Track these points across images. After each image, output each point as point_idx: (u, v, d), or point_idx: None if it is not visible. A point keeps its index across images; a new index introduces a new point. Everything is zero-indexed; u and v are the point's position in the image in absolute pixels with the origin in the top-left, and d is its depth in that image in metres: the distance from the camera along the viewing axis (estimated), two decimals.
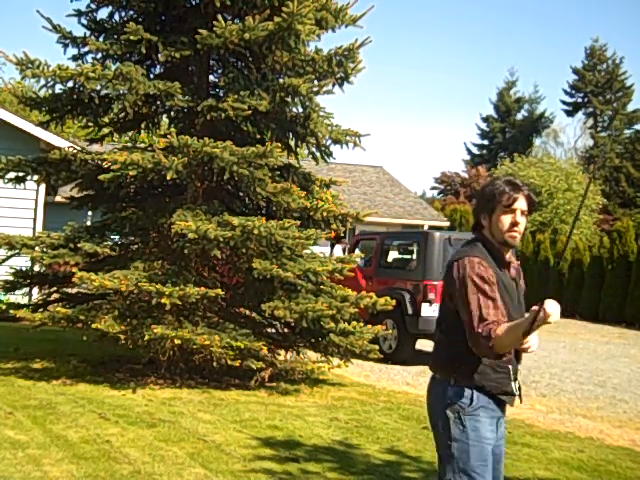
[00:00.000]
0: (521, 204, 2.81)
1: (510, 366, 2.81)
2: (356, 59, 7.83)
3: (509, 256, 2.88)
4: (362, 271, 10.95)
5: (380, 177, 25.99)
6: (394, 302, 8.33)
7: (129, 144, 11.09)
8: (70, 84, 7.77)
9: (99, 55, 8.13)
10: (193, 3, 8.26)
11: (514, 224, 2.79)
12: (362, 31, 8.16)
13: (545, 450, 5.81)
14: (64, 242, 7.79)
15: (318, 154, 8.54)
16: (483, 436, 2.78)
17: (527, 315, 2.53)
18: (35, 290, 10.01)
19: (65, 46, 8.18)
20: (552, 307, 2.43)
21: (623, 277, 18.89)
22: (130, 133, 9.45)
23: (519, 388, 2.86)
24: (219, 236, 7.01)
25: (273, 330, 8.27)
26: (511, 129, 48.46)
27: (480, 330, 2.61)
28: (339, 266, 7.65)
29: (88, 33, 8.38)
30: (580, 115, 46.44)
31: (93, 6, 8.41)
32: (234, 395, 7.24)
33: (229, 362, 7.08)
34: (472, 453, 2.77)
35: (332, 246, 16.58)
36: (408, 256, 11.36)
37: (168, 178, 7.26)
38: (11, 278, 8.46)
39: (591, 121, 45.68)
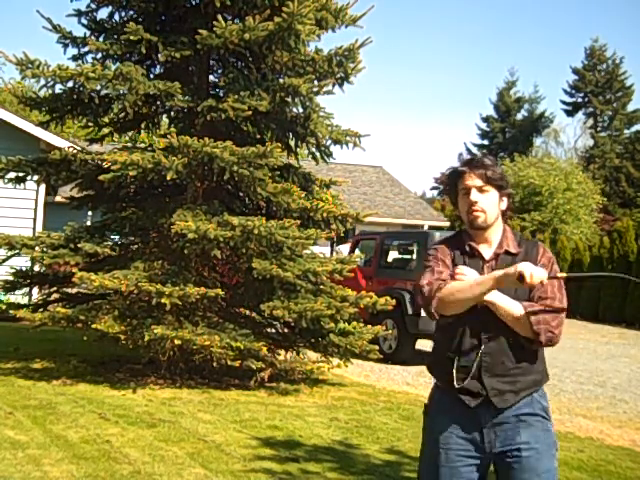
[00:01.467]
0: (472, 181, 2.58)
1: (458, 357, 2.54)
2: (356, 59, 7.83)
3: (506, 243, 2.62)
4: (362, 271, 10.95)
5: (380, 177, 25.99)
6: (394, 302, 8.33)
7: (129, 144, 11.10)
8: (70, 84, 7.77)
9: (99, 55, 8.13)
10: (193, 3, 8.26)
11: (470, 204, 2.58)
12: (362, 31, 8.17)
13: None
14: (64, 242, 7.79)
15: (318, 154, 8.54)
16: (436, 439, 2.57)
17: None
18: (35, 290, 10.01)
19: (65, 46, 8.18)
20: (525, 266, 2.38)
21: None
22: (130, 133, 9.46)
23: (479, 386, 2.52)
24: (219, 236, 7.01)
25: (273, 330, 8.27)
26: (511, 129, 48.44)
27: (422, 290, 2.57)
28: (339, 266, 7.65)
29: (88, 33, 8.38)
30: (580, 115, 46.46)
31: (93, 6, 8.41)
32: (234, 395, 7.24)
33: (229, 362, 7.08)
34: (422, 457, 2.66)
35: (332, 246, 16.58)
36: (408, 256, 11.36)
37: (168, 178, 7.26)
38: (11, 278, 8.46)
39: (591, 121, 45.67)
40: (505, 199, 2.65)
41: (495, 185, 2.59)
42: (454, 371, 2.54)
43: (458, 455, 2.55)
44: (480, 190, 2.58)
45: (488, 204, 2.58)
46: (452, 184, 2.66)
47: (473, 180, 2.58)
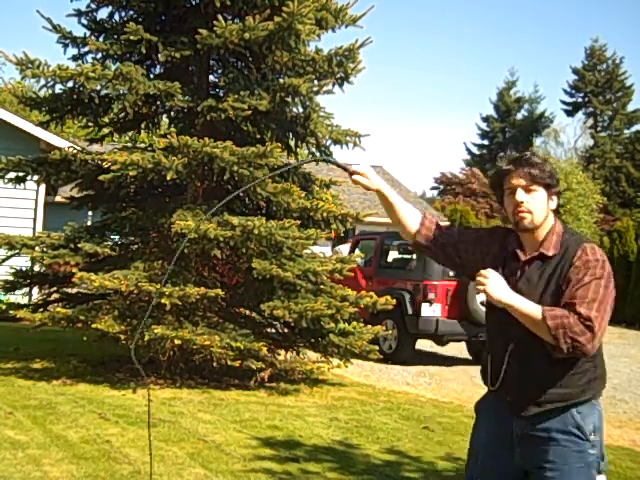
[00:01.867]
0: (517, 180, 2.45)
1: (491, 361, 2.52)
2: (356, 59, 7.83)
3: (545, 246, 2.47)
4: (362, 271, 10.95)
5: (380, 177, 26.00)
6: (394, 302, 8.33)
7: (129, 144, 11.10)
8: (70, 84, 7.76)
9: (99, 55, 8.13)
10: (193, 3, 8.26)
11: (516, 204, 2.45)
12: (362, 31, 8.16)
13: None
14: (64, 242, 7.79)
15: (318, 154, 8.54)
16: (473, 436, 2.62)
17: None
18: (35, 290, 10.01)
19: (65, 46, 8.18)
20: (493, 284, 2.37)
21: (623, 277, 18.86)
22: (130, 133, 9.46)
23: (496, 381, 2.47)
24: (219, 236, 7.01)
25: (273, 330, 8.27)
26: (511, 129, 48.46)
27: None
28: (339, 266, 7.65)
29: (88, 33, 8.37)
30: (580, 115, 46.47)
31: (93, 6, 8.41)
32: (234, 395, 7.24)
33: (229, 362, 7.08)
34: (468, 450, 2.66)
35: (333, 246, 16.57)
36: (408, 256, 11.36)
37: (168, 178, 7.26)
38: (11, 278, 8.46)
39: (591, 121, 45.68)
40: (555, 198, 2.51)
41: (543, 184, 2.45)
42: (488, 375, 2.53)
43: (492, 456, 2.53)
44: (526, 190, 2.44)
45: (535, 204, 2.44)
46: (498, 183, 2.53)
47: (519, 179, 2.45)
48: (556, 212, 2.53)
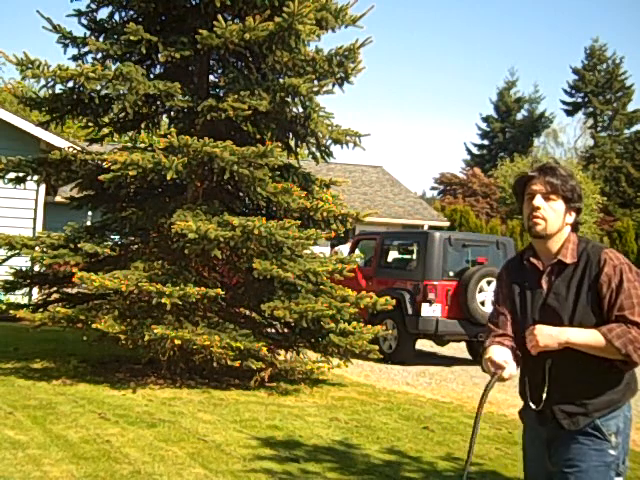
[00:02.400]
0: (539, 186, 2.48)
1: (529, 381, 2.58)
2: (356, 59, 7.83)
3: (563, 253, 2.51)
4: (362, 271, 10.95)
5: (380, 177, 25.99)
6: (394, 302, 8.33)
7: (129, 144, 11.07)
8: (70, 84, 7.76)
9: (99, 55, 8.13)
10: (193, 3, 8.25)
11: (533, 209, 2.48)
12: (362, 31, 8.16)
13: None
14: (64, 242, 7.79)
15: (318, 154, 8.54)
16: (523, 446, 2.72)
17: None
18: (35, 290, 10.00)
19: (65, 46, 8.18)
20: (509, 370, 2.44)
21: None
22: (130, 133, 9.44)
23: (539, 401, 2.51)
24: (219, 236, 7.01)
25: (273, 330, 8.27)
26: (511, 129, 48.50)
27: (488, 325, 2.69)
28: (339, 266, 7.65)
29: (88, 33, 8.38)
30: (580, 115, 46.53)
31: (93, 6, 8.42)
32: (234, 395, 7.24)
33: (229, 362, 7.08)
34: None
35: (332, 247, 16.56)
36: (408, 256, 11.36)
37: (168, 178, 7.26)
38: (11, 278, 8.46)
39: (591, 121, 45.70)
40: (574, 213, 2.54)
41: (563, 196, 2.49)
42: (527, 394, 2.57)
43: (536, 465, 2.62)
44: (546, 197, 2.48)
45: (551, 213, 2.48)
46: (520, 189, 2.56)
47: (540, 186, 2.49)
48: (574, 228, 2.55)
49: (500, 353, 2.50)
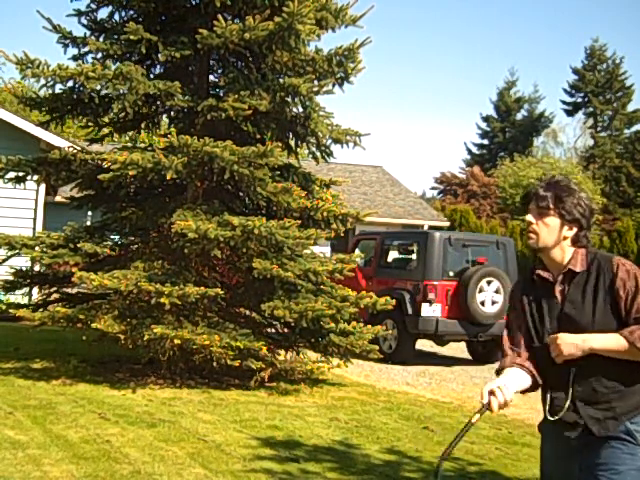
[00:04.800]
0: (534, 203, 2.60)
1: (551, 389, 2.57)
2: (356, 59, 7.83)
3: (572, 263, 2.57)
4: (362, 271, 10.95)
5: (380, 177, 25.98)
6: (394, 302, 8.33)
7: (129, 144, 11.09)
8: (70, 84, 7.77)
9: (99, 55, 8.13)
10: (193, 3, 8.26)
11: (527, 224, 2.62)
12: (362, 31, 8.15)
13: None
14: (64, 242, 7.79)
15: (318, 154, 8.54)
16: (542, 458, 2.70)
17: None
18: (35, 290, 10.01)
19: (65, 46, 8.18)
20: (496, 405, 2.43)
21: None
22: (130, 133, 9.44)
23: (564, 409, 2.50)
24: (219, 236, 7.00)
25: (273, 330, 8.27)
26: (511, 129, 48.49)
27: (502, 349, 2.69)
28: (339, 266, 7.65)
29: (88, 33, 8.38)
30: (580, 115, 46.48)
31: (93, 6, 8.41)
32: (234, 395, 7.24)
33: (229, 362, 7.08)
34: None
35: (332, 247, 16.57)
36: (408, 256, 11.36)
37: (168, 178, 7.26)
38: (11, 278, 8.46)
39: (591, 121, 45.68)
40: (575, 228, 2.58)
41: (558, 213, 2.56)
42: (548, 403, 2.56)
43: (550, 469, 2.63)
44: (539, 214, 2.58)
45: (544, 228, 2.57)
46: (526, 204, 2.66)
47: (536, 202, 2.58)
48: (575, 241, 2.60)
49: (501, 380, 2.52)
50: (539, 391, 2.64)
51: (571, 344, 2.43)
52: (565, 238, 2.58)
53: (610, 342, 2.43)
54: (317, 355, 8.11)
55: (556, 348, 2.45)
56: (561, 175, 2.76)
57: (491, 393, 2.46)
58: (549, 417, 2.54)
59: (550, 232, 2.57)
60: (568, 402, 2.50)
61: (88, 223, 10.83)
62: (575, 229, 2.58)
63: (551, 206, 2.55)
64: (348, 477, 4.83)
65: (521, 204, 2.77)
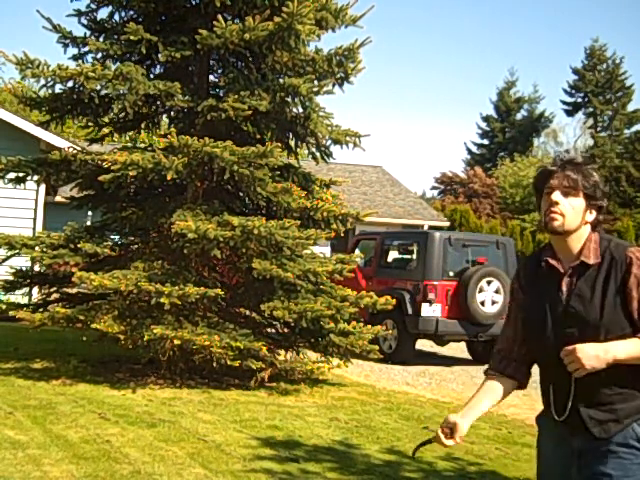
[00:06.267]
0: (558, 181, 2.34)
1: (550, 385, 2.44)
2: (356, 59, 7.83)
3: (585, 254, 2.36)
4: (362, 271, 10.95)
5: (380, 177, 25.99)
6: (394, 302, 8.33)
7: (129, 144, 11.10)
8: (70, 84, 7.77)
9: (99, 55, 8.13)
10: (193, 3, 8.26)
11: (550, 204, 2.34)
12: (362, 31, 8.16)
13: None
14: (64, 242, 7.79)
15: (318, 154, 8.54)
16: (538, 455, 2.57)
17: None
18: (35, 290, 10.01)
19: (65, 46, 8.19)
20: (443, 442, 2.35)
21: None
22: (130, 133, 9.44)
23: (565, 410, 2.36)
24: (219, 236, 7.01)
25: (273, 330, 8.27)
26: (511, 129, 48.49)
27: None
28: (339, 266, 7.65)
29: (88, 33, 8.38)
30: (580, 115, 46.47)
31: (93, 6, 8.42)
32: (234, 395, 7.24)
33: (229, 362, 7.08)
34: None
35: (332, 247, 16.57)
36: (408, 256, 11.37)
37: (168, 178, 7.26)
38: (11, 278, 8.46)
39: (591, 121, 45.68)
40: (594, 211, 2.39)
41: (584, 193, 2.35)
42: (551, 403, 2.43)
43: (548, 467, 2.52)
44: (565, 193, 2.34)
45: (570, 209, 2.34)
46: (540, 184, 2.41)
47: (560, 180, 2.34)
48: (594, 227, 2.42)
49: (461, 417, 2.42)
50: (539, 391, 2.58)
51: (593, 356, 2.21)
52: (586, 223, 2.39)
53: (633, 350, 2.24)
54: (317, 355, 8.11)
55: (577, 362, 2.22)
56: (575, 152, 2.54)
57: (446, 427, 2.38)
58: (556, 417, 2.41)
59: (575, 214, 2.34)
60: (569, 403, 2.37)
61: (88, 223, 10.82)
62: (595, 213, 2.40)
63: (580, 185, 2.33)
64: (348, 477, 4.84)
65: (537, 184, 2.43)
